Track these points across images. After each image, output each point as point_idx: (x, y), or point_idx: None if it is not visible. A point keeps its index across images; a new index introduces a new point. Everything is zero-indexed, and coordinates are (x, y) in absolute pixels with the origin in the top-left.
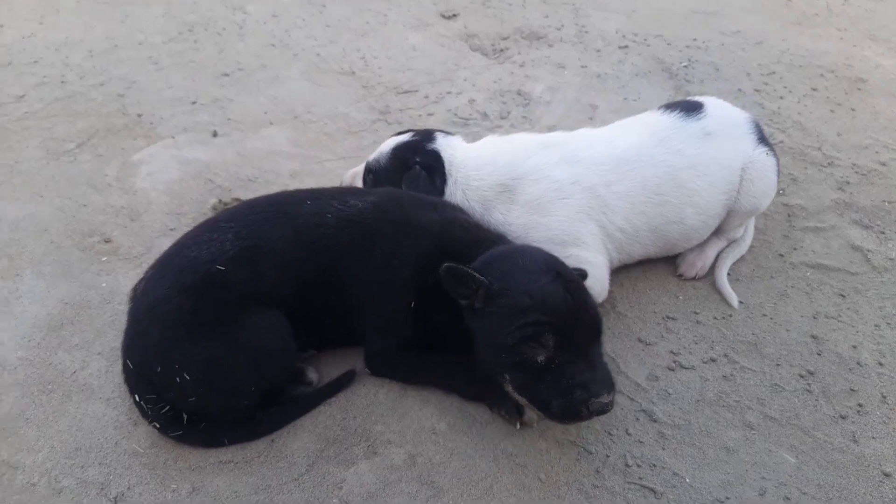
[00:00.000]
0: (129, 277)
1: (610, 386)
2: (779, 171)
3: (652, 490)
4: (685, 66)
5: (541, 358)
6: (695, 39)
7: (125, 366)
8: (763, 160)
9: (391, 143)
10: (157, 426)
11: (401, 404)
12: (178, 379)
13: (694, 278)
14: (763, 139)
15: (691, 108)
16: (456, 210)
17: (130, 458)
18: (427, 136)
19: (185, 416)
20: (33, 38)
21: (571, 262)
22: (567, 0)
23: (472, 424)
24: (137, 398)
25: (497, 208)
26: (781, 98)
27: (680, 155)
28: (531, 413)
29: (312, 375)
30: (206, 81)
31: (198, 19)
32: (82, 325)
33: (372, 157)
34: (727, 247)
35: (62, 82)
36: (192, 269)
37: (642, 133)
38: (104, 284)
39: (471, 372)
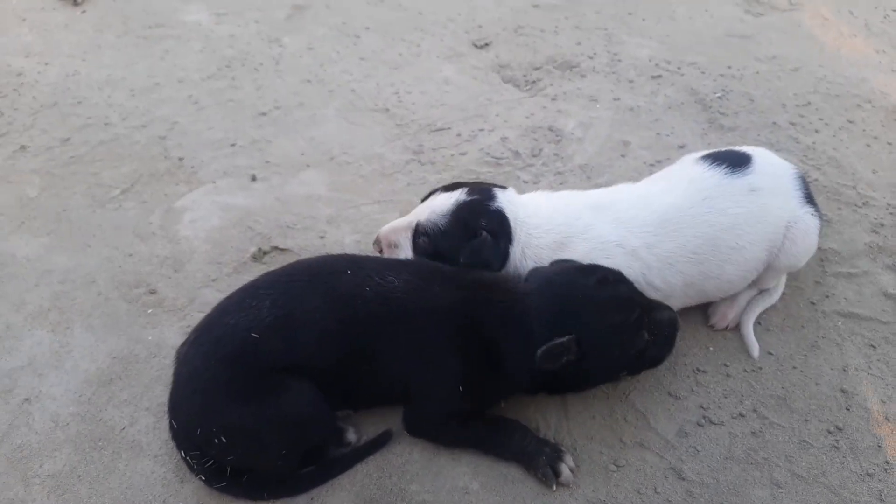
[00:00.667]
0: (173, 330)
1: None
2: (820, 232)
3: None
4: (719, 97)
5: (646, 338)
6: (729, 67)
7: (171, 424)
8: (808, 221)
9: (447, 203)
10: (203, 478)
11: (434, 463)
12: (216, 441)
13: (726, 329)
14: (809, 197)
15: (738, 162)
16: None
17: None
18: (487, 194)
19: (229, 470)
20: (77, 77)
21: None
22: (600, 25)
23: (504, 483)
24: (183, 454)
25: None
26: (817, 132)
27: (723, 214)
28: (568, 474)
29: (351, 437)
30: (244, 121)
31: (235, 54)
32: (130, 381)
33: (424, 216)
34: (757, 294)
35: (106, 124)
36: (230, 338)
37: (686, 191)
38: (150, 338)
39: (508, 435)
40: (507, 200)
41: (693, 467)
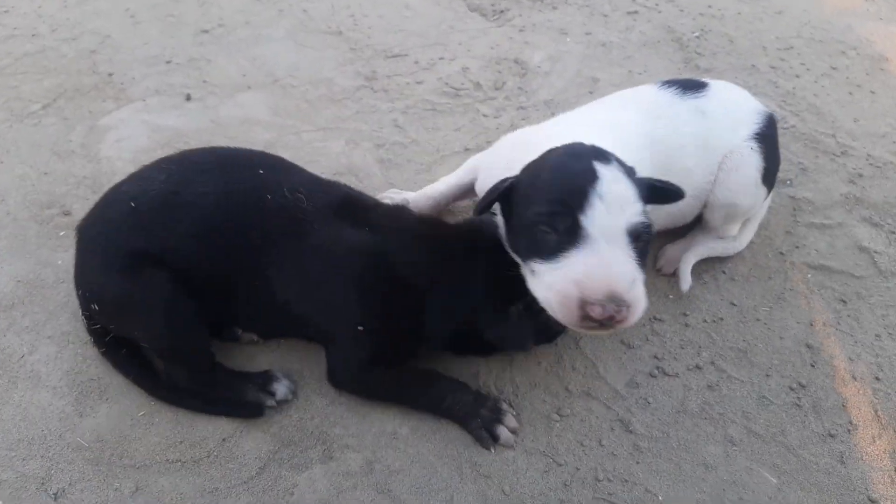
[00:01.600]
0: None
1: None
2: (766, 173)
3: None
4: (697, 37)
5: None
6: (709, 7)
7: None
8: (744, 153)
9: (616, 179)
10: (92, 340)
11: (362, 406)
12: (91, 305)
13: (673, 274)
14: (762, 135)
15: (692, 86)
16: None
17: (74, 453)
18: (597, 152)
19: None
20: None
21: None
22: None
23: (436, 430)
24: (83, 313)
25: None
26: (797, 77)
27: (675, 133)
28: (508, 436)
29: (279, 388)
30: (183, 38)
31: None
32: (34, 307)
33: (622, 219)
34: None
35: (33, 35)
36: (115, 204)
37: (638, 110)
38: (60, 262)
39: (440, 391)
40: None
41: (642, 420)
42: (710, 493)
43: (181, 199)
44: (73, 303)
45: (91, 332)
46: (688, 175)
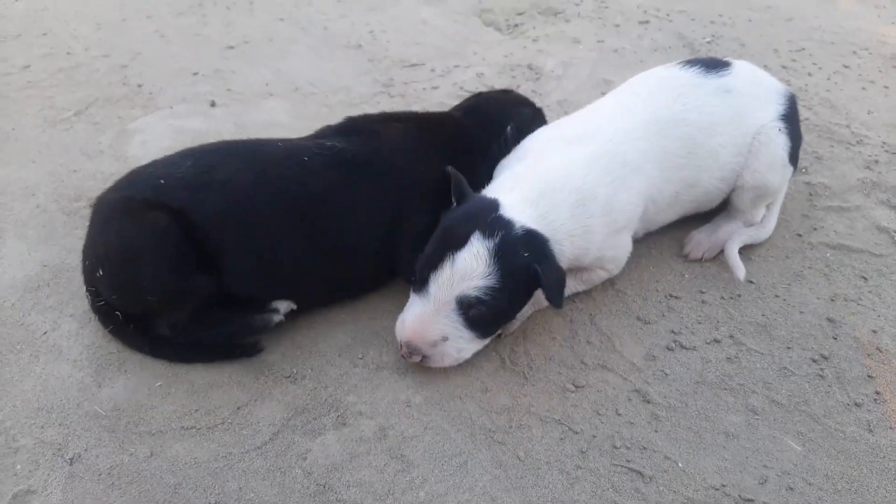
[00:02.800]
0: None
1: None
2: (792, 152)
3: (640, 473)
4: (708, 42)
5: None
6: (720, 15)
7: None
8: (773, 135)
9: (479, 259)
10: (98, 318)
11: (376, 375)
12: (97, 273)
13: (700, 259)
14: (788, 115)
15: (715, 65)
16: None
17: (91, 420)
18: (505, 224)
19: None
20: (44, 12)
21: (621, 248)
22: None
23: (450, 399)
24: (86, 289)
25: (577, 235)
26: (810, 75)
27: (698, 112)
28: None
29: (280, 304)
30: (210, 54)
31: None
32: (59, 287)
33: (459, 289)
34: (745, 227)
35: (68, 53)
36: (140, 180)
37: (659, 91)
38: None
39: None
40: (516, 212)
41: (660, 390)
42: (733, 460)
43: (214, 177)
44: None
45: (96, 309)
46: (714, 156)
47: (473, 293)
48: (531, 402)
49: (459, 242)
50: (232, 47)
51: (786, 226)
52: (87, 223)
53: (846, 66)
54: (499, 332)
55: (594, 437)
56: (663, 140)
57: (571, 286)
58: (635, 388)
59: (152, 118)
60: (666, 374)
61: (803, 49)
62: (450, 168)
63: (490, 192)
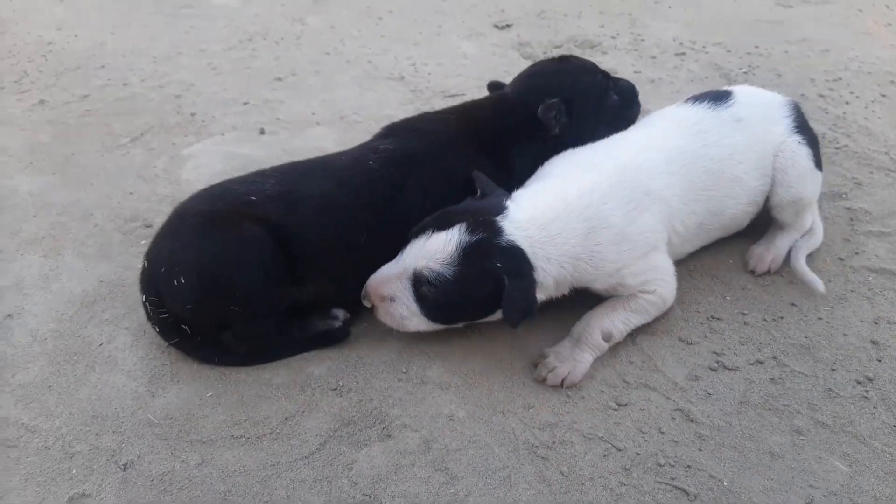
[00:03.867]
0: None
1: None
2: (815, 158)
3: (685, 491)
4: (744, 73)
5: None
6: (756, 47)
7: (142, 266)
8: (794, 148)
9: (448, 247)
10: (157, 330)
11: (419, 390)
12: (175, 281)
13: (768, 272)
14: (800, 126)
15: (719, 97)
16: None
17: (144, 428)
18: (491, 228)
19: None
20: (103, 47)
21: (653, 271)
22: (624, 10)
23: (493, 414)
24: (144, 298)
25: (583, 259)
26: (847, 103)
27: (718, 146)
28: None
29: (338, 312)
30: (259, 85)
31: (258, 30)
32: (115, 302)
33: (422, 264)
34: (800, 237)
35: (125, 84)
36: (228, 195)
37: (679, 129)
38: (140, 266)
39: None
40: (514, 225)
41: (704, 410)
42: (779, 480)
43: (300, 192)
44: None
45: (159, 321)
46: (738, 183)
47: (427, 273)
48: (574, 418)
49: (445, 225)
50: (280, 79)
51: (827, 250)
52: (155, 237)
53: (883, 95)
54: (459, 324)
55: (638, 454)
56: (688, 175)
57: (623, 319)
58: (678, 407)
59: (204, 144)
60: (709, 394)
61: (840, 79)
62: (475, 172)
63: (514, 197)
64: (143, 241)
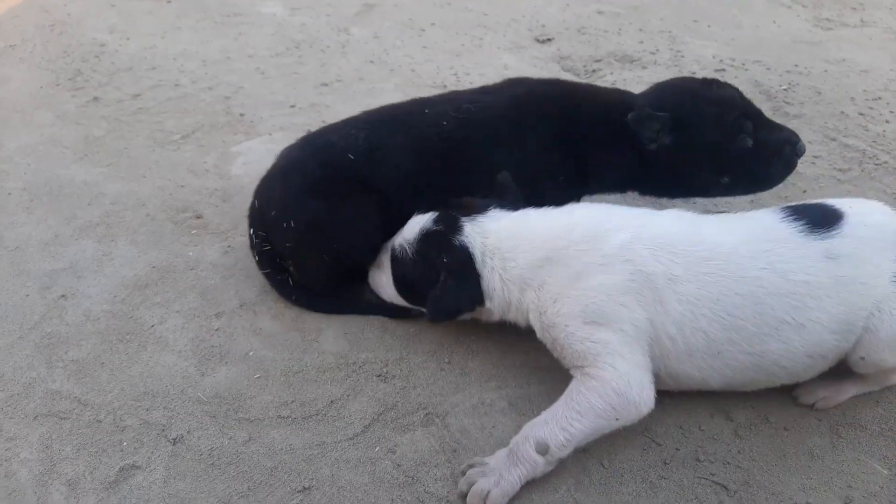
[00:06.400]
0: (214, 249)
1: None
2: None
3: (724, 487)
4: (784, 90)
5: (748, 143)
6: (796, 66)
7: (252, 204)
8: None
9: (414, 230)
10: (256, 259)
11: (461, 380)
12: (284, 224)
13: (812, 406)
14: None
15: (823, 219)
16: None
17: (194, 405)
18: (453, 224)
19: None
20: (154, 50)
21: (596, 354)
22: (664, 28)
23: (532, 403)
24: (252, 231)
25: (532, 287)
26: (887, 122)
27: (782, 277)
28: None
29: None
30: (306, 90)
31: (304, 38)
32: (166, 287)
33: (398, 239)
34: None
35: (176, 85)
36: (329, 149)
37: (745, 234)
38: (191, 253)
39: None
40: (476, 230)
41: (742, 409)
42: (818, 479)
43: (387, 147)
44: (201, 285)
45: (260, 252)
46: (796, 329)
47: (396, 249)
48: None
49: (433, 210)
50: (326, 84)
51: None
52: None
53: None
54: (412, 309)
55: (677, 449)
56: (712, 285)
57: (564, 424)
58: (717, 405)
59: (253, 143)
60: (747, 394)
61: (880, 98)
62: (500, 174)
63: (511, 210)
64: (194, 231)
